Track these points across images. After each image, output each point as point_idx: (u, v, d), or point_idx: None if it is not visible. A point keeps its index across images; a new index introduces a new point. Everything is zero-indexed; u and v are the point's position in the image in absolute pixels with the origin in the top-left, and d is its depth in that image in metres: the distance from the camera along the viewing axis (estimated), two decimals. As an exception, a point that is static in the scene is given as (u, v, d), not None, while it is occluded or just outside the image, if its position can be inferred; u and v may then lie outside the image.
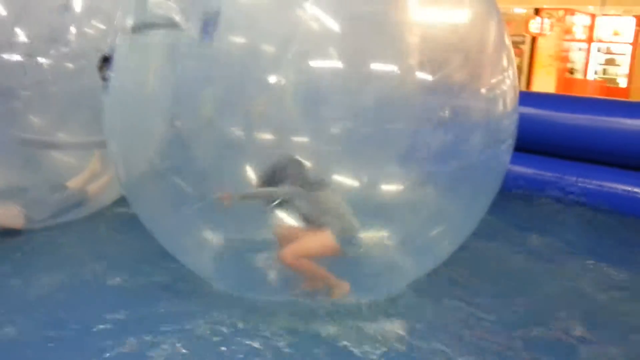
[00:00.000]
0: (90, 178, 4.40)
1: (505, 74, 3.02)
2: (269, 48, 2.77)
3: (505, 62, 3.04)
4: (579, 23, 14.84)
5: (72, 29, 4.03)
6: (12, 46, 3.87)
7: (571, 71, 14.93)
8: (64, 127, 4.26)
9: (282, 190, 2.80)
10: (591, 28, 14.64)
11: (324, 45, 2.72)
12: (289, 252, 2.92)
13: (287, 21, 2.75)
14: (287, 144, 2.78)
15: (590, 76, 14.76)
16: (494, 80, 2.96)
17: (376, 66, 2.79)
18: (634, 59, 14.38)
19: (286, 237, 2.98)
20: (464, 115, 2.88)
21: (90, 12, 4.11)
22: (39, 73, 3.93)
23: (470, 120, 2.90)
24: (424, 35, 2.83)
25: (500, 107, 2.98)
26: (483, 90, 2.93)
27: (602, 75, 14.90)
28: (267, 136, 2.79)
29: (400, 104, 2.80)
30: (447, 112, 2.82)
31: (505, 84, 3.01)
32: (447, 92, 2.80)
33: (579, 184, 5.36)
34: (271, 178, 2.80)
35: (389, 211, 2.90)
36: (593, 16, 14.52)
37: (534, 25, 13.99)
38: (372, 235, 2.97)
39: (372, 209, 2.90)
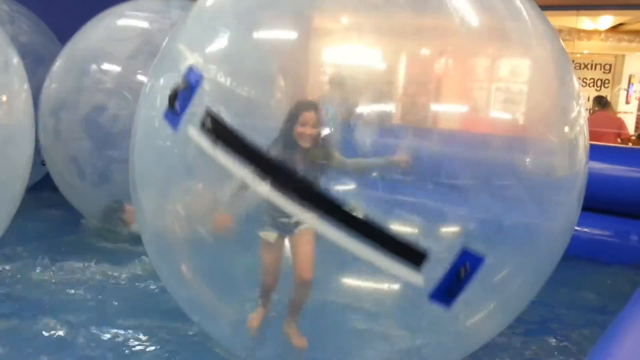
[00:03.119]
0: None
1: (580, 120, 2.81)
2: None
3: (577, 109, 2.82)
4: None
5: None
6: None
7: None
8: None
9: None
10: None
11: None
12: (308, 267, 2.55)
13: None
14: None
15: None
16: (567, 129, 2.75)
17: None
18: None
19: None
20: (538, 166, 2.67)
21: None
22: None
23: (548, 171, 2.68)
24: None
25: (577, 156, 2.77)
26: (554, 139, 2.72)
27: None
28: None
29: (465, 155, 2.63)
30: (521, 163, 2.62)
31: (581, 133, 2.79)
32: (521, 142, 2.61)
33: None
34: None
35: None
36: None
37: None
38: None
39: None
